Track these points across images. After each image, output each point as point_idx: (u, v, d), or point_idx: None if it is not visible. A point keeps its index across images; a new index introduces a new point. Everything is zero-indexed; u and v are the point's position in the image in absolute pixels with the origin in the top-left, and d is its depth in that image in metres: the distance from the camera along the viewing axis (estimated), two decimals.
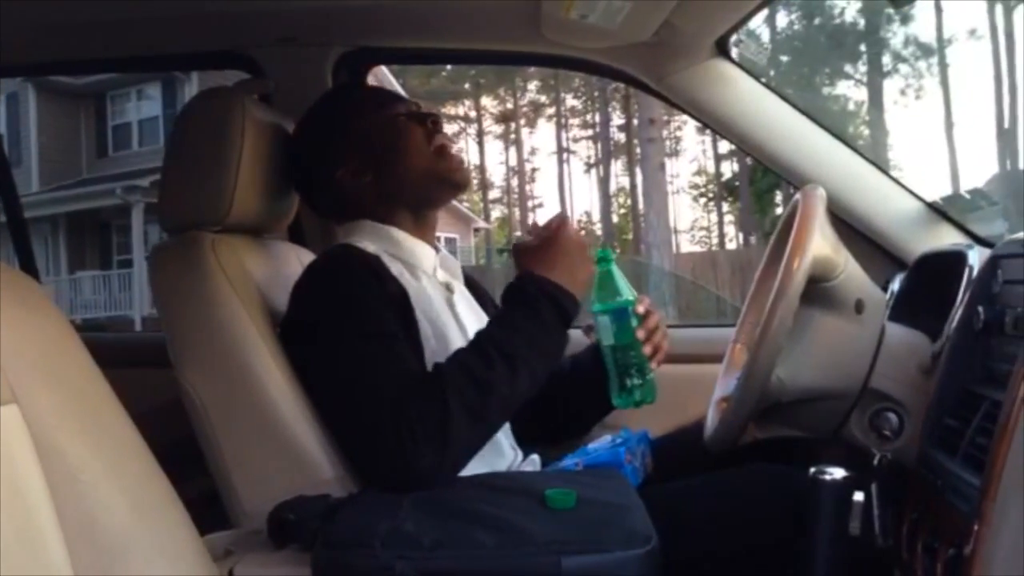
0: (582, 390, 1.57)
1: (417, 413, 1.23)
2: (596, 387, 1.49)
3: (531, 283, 1.35)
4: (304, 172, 1.59)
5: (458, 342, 1.45)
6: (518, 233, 27.60)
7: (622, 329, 1.38)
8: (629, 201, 25.87)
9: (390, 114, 1.54)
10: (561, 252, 1.38)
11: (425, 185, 1.54)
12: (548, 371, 1.35)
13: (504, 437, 1.53)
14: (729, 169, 25.40)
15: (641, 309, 1.40)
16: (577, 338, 1.55)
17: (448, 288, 1.56)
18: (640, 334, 1.39)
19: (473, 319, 1.56)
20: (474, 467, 1.33)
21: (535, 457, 1.57)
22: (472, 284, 1.69)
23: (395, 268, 1.46)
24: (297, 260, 1.68)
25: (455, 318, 1.50)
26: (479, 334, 1.35)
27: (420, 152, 1.53)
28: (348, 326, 1.33)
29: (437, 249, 1.59)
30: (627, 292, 1.38)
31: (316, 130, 1.58)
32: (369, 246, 1.48)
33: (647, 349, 1.40)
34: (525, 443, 1.59)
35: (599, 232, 26.04)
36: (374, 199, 1.53)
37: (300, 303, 1.42)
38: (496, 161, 29.17)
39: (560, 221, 1.41)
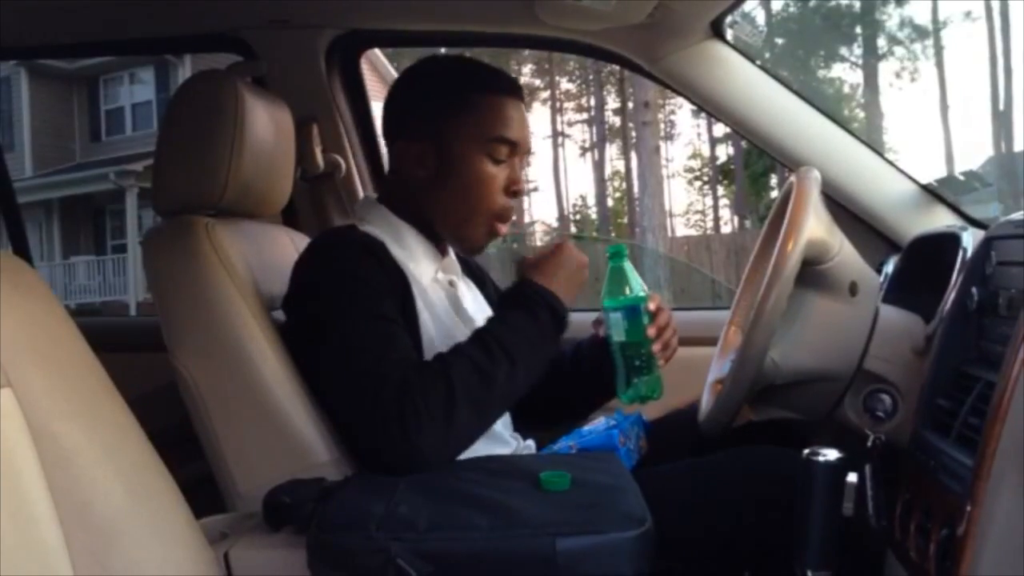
0: (583, 377, 1.57)
1: (423, 392, 1.23)
2: (597, 375, 1.49)
3: (530, 288, 1.38)
4: (392, 112, 1.52)
5: (463, 333, 1.45)
6: (513, 217, 27.53)
7: (633, 326, 1.37)
8: (624, 185, 25.81)
9: (489, 149, 1.44)
10: (558, 266, 1.40)
11: (457, 228, 1.49)
12: (541, 372, 1.37)
13: (503, 428, 1.53)
14: (724, 152, 25.33)
15: (652, 306, 1.39)
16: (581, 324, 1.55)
17: (451, 284, 1.55)
18: (651, 332, 1.38)
19: (478, 309, 1.55)
20: (476, 454, 1.33)
21: (530, 442, 1.57)
22: (469, 268, 1.68)
23: (399, 255, 1.44)
24: (291, 244, 1.68)
25: (459, 312, 1.50)
26: (480, 330, 1.36)
27: (483, 206, 1.46)
28: (350, 306, 1.32)
29: (445, 253, 1.55)
30: (639, 288, 1.38)
31: (417, 93, 1.49)
32: (374, 231, 1.46)
33: (656, 347, 1.39)
34: (523, 428, 1.59)
35: (594, 216, 26.01)
36: (408, 190, 1.48)
37: (301, 280, 1.41)
38: None
39: (560, 241, 1.44)
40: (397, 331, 1.33)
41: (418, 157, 1.45)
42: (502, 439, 1.49)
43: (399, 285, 1.39)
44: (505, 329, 1.34)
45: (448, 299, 1.51)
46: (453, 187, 1.45)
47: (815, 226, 1.20)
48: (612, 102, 25.24)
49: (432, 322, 1.43)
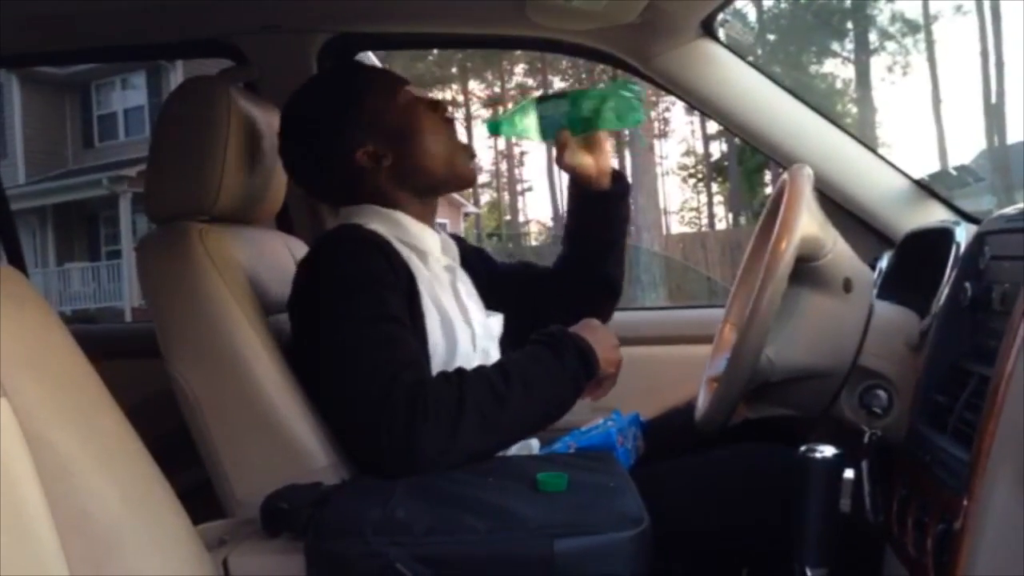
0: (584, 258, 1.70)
1: (434, 397, 1.23)
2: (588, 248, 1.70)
3: (561, 331, 1.39)
4: (313, 154, 1.52)
5: (461, 327, 1.45)
6: (508, 217, 27.56)
7: (554, 106, 1.52)
8: None
9: (406, 97, 1.51)
10: (591, 331, 1.42)
11: (442, 172, 1.52)
12: (560, 410, 1.36)
13: None
14: (718, 149, 25.37)
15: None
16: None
17: (450, 271, 1.56)
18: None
19: (473, 303, 1.55)
20: None
21: (535, 442, 1.57)
22: (466, 260, 1.66)
23: (404, 253, 1.45)
24: (286, 249, 1.67)
25: (458, 303, 1.50)
26: (503, 359, 1.38)
27: (439, 138, 1.51)
28: (361, 305, 1.32)
29: (438, 231, 1.57)
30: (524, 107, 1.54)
31: (327, 110, 1.50)
32: (379, 228, 1.46)
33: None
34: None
35: None
36: (388, 183, 1.50)
37: (309, 280, 1.40)
38: (484, 145, 28.95)
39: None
40: (406, 333, 1.33)
41: (375, 156, 1.48)
42: None
43: (406, 284, 1.39)
44: (527, 360, 1.35)
45: (450, 285, 1.52)
46: (416, 149, 1.50)
47: (808, 223, 1.20)
48: None
49: (439, 317, 1.43)
